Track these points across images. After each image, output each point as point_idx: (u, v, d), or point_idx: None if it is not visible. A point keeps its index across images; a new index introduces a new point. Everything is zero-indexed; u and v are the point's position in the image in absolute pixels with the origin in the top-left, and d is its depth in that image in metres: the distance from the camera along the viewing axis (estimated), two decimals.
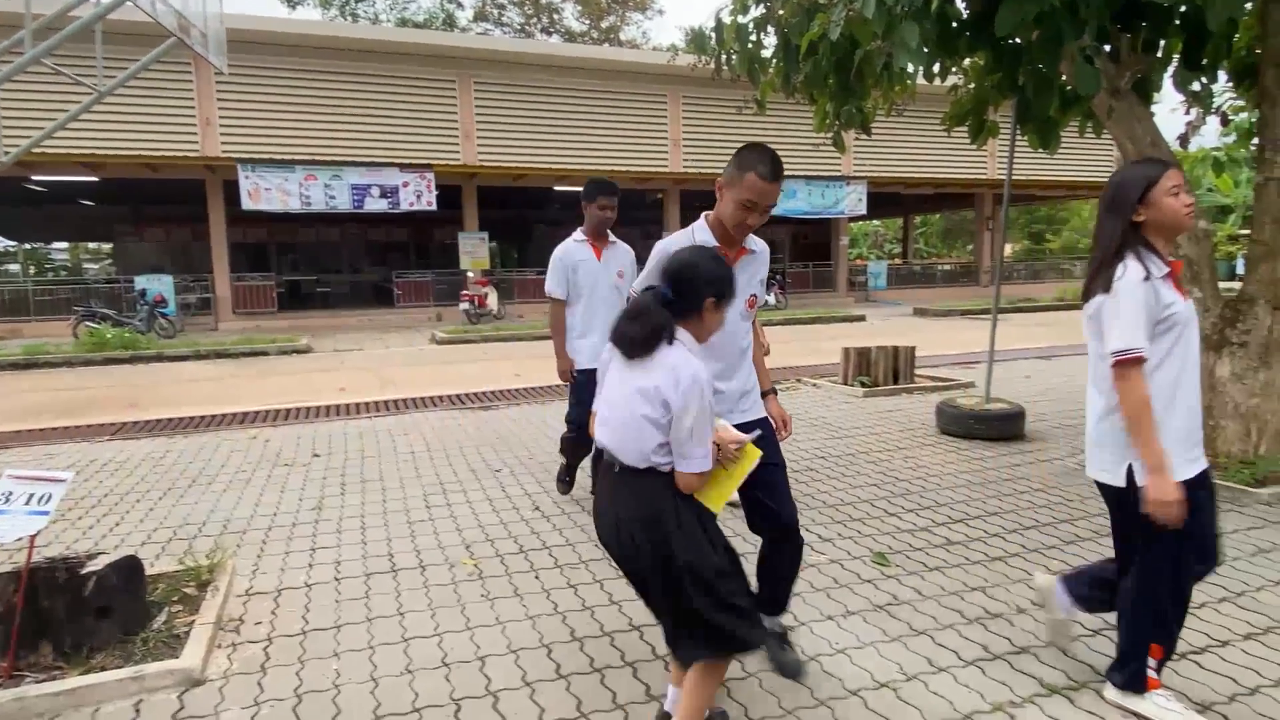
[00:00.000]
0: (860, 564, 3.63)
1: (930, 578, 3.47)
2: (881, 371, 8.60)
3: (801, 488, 4.85)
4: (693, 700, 2.07)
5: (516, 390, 8.79)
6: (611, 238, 4.40)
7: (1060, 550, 3.75)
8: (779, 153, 2.42)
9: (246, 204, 16.80)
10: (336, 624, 3.11)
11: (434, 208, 17.86)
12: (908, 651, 2.81)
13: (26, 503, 2.76)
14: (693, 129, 20.02)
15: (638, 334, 2.03)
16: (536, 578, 3.53)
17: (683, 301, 2.09)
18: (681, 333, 2.07)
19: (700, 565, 1.99)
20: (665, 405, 1.95)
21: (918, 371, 8.92)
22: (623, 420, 2.04)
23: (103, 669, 2.66)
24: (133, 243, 25.99)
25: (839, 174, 21.49)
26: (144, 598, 3.01)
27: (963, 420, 6.15)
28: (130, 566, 2.93)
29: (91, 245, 37.45)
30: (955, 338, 13.42)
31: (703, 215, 2.56)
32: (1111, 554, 2.57)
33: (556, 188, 21.02)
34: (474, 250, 19.14)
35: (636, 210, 26.28)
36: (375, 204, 17.52)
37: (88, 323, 14.65)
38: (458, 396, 8.49)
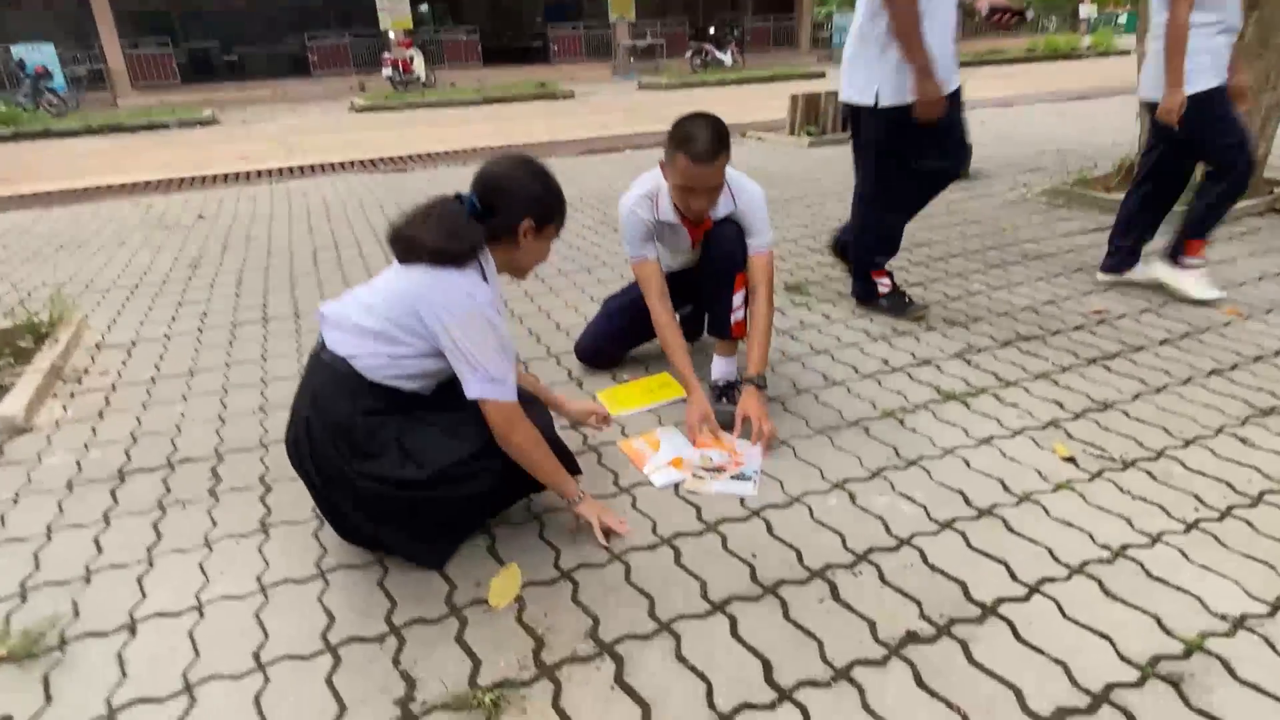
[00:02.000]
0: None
1: (842, 304, 3.25)
2: (830, 120, 8.02)
3: None
4: None
5: (436, 154, 8.10)
6: None
7: (982, 274, 3.54)
8: None
9: None
10: (191, 370, 2.83)
11: None
12: (804, 369, 2.64)
13: None
14: None
15: (429, 242, 1.55)
16: None
17: (492, 218, 1.62)
18: (486, 258, 1.63)
19: (383, 476, 1.59)
20: (418, 318, 1.55)
21: None
22: (376, 301, 1.60)
23: None
24: (9, 10, 22.76)
25: None
26: None
27: None
28: None
29: None
30: None
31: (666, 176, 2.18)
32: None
33: None
34: (393, 7, 17.06)
35: None
36: None
37: None
38: (369, 161, 7.79)
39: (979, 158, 6.19)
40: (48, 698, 1.40)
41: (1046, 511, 1.82)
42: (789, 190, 5.58)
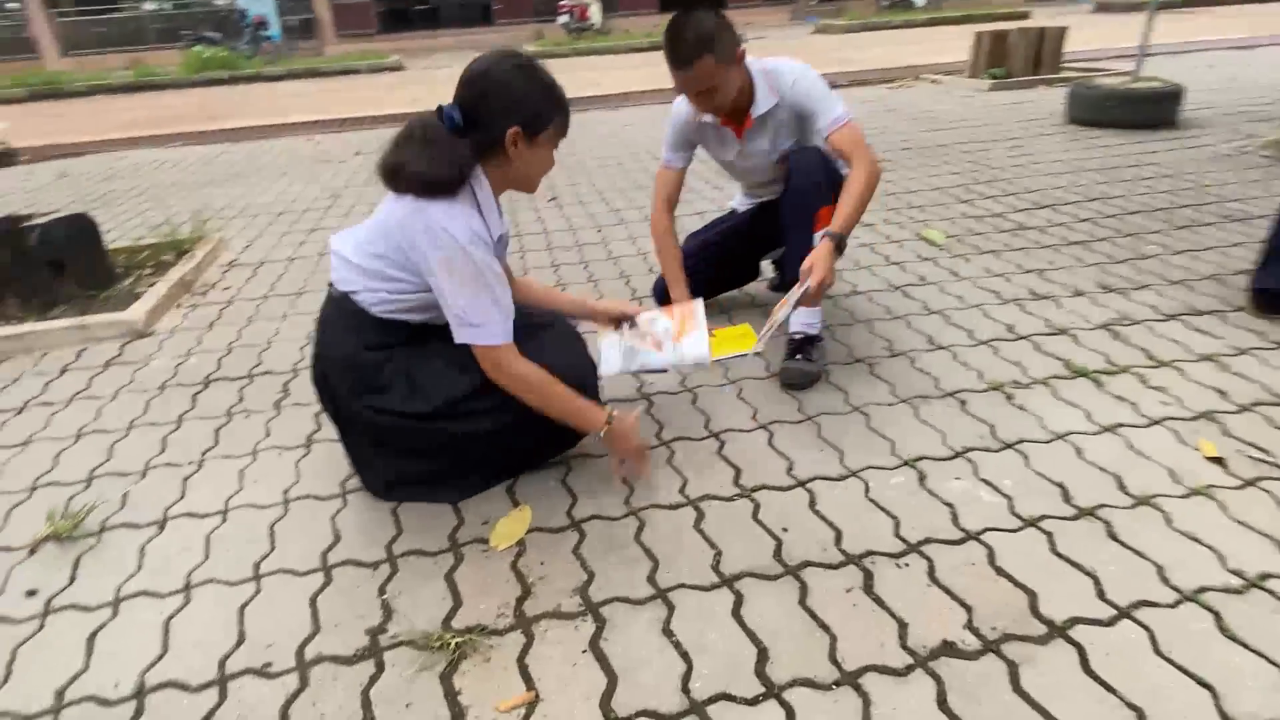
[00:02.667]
0: (895, 247, 3.03)
1: (976, 261, 2.84)
2: (1019, 60, 7.11)
3: None
4: None
5: (586, 97, 8.06)
6: None
7: (1162, 235, 2.96)
8: None
9: None
10: (300, 291, 2.97)
11: None
12: (908, 329, 2.32)
13: None
14: None
15: (414, 169, 1.41)
16: (539, 254, 3.22)
17: (477, 130, 1.43)
18: (479, 181, 1.46)
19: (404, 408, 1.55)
20: (404, 253, 1.45)
21: (1068, 63, 7.34)
22: (368, 237, 1.53)
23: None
24: None
25: None
26: (104, 257, 2.94)
27: (1098, 103, 4.96)
28: (80, 224, 2.83)
29: None
30: (1136, 31, 10.96)
31: None
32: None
33: None
34: None
35: None
36: None
37: (195, 47, 14.72)
38: None
39: (1193, 103, 5.28)
40: (72, 578, 1.48)
41: (1168, 520, 1.45)
42: (951, 135, 5.00)
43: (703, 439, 1.82)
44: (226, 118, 8.32)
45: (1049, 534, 1.44)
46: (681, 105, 2.15)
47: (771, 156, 2.13)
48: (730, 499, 1.60)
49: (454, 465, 1.65)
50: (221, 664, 1.27)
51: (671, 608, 1.33)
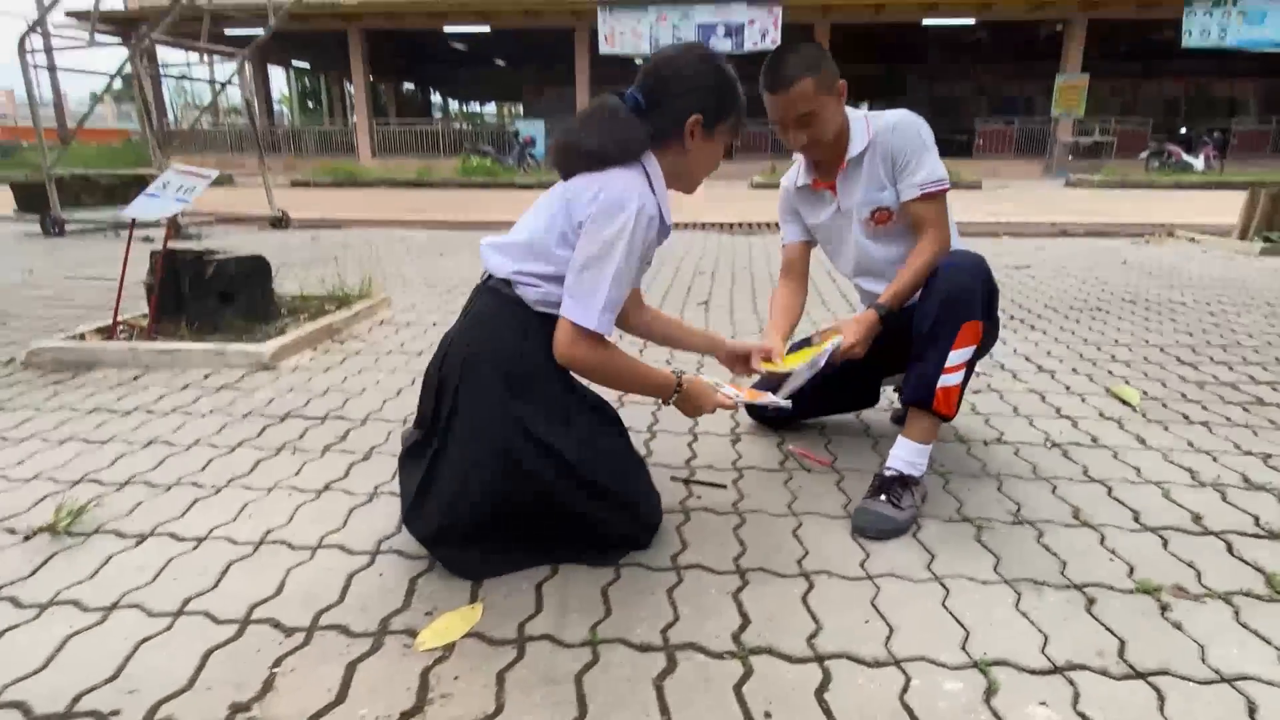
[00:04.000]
0: (1073, 400, 2.48)
1: (1180, 429, 2.22)
2: None
3: (1070, 325, 3.57)
4: None
5: None
6: None
7: None
8: None
9: (603, 48, 17.61)
10: (421, 351, 3.03)
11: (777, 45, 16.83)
12: (1050, 497, 1.80)
13: (177, 190, 3.04)
14: None
15: (585, 144, 1.41)
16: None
17: (656, 115, 1.44)
18: (652, 164, 1.46)
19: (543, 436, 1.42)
20: (569, 212, 1.40)
21: None
22: (526, 224, 1.50)
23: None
24: (533, 101, 29.37)
25: None
26: (270, 296, 3.22)
27: None
28: (255, 264, 3.12)
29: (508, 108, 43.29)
30: None
31: None
32: None
33: (925, 21, 18.31)
34: None
35: (1025, 49, 21.90)
36: (720, 44, 17.05)
37: (470, 157, 16.97)
38: (726, 224, 8.00)
39: None
40: (32, 573, 1.46)
41: None
42: (1193, 294, 4.22)
43: (723, 573, 1.48)
44: (467, 213, 9.30)
45: None
46: (785, 177, 2.05)
47: (864, 212, 1.87)
48: (719, 656, 1.24)
49: (510, 532, 1.46)
50: (77, 699, 1.13)
51: None
